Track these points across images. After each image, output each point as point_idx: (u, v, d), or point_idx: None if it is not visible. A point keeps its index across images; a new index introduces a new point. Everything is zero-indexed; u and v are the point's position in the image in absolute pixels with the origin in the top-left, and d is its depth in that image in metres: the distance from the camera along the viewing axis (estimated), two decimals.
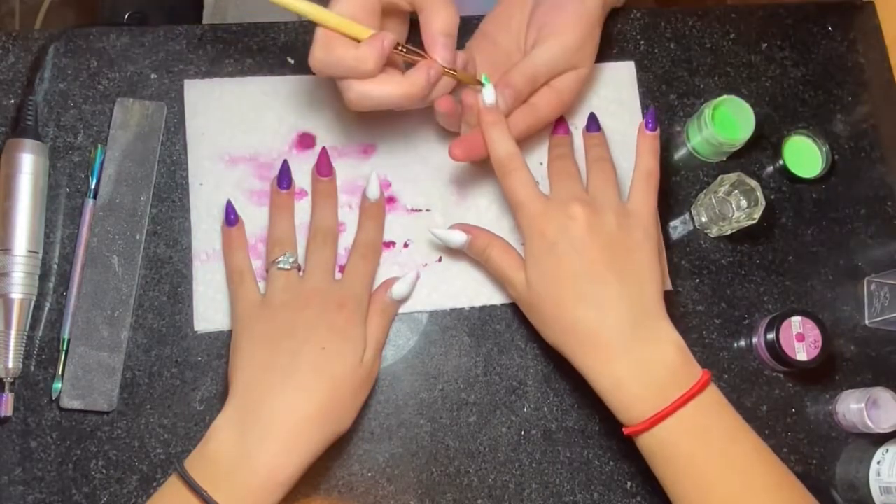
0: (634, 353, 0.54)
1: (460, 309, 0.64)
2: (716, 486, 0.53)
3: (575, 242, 0.56)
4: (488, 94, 0.58)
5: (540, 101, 0.62)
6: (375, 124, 0.66)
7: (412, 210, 0.65)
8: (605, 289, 0.55)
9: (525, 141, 0.62)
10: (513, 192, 0.58)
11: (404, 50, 0.56)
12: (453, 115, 0.61)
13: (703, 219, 0.67)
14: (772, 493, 0.53)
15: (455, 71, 0.58)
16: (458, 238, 0.61)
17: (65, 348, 0.59)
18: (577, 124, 0.67)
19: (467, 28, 0.68)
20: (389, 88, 0.55)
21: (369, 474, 0.61)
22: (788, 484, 0.54)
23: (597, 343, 0.55)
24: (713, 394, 0.55)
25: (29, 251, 0.59)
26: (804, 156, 0.71)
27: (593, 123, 0.64)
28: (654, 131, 0.61)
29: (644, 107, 0.69)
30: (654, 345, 0.55)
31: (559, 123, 0.65)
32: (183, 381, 0.60)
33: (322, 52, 0.54)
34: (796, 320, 0.64)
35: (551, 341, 0.58)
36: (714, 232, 0.68)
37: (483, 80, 0.59)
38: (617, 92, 0.69)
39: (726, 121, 0.67)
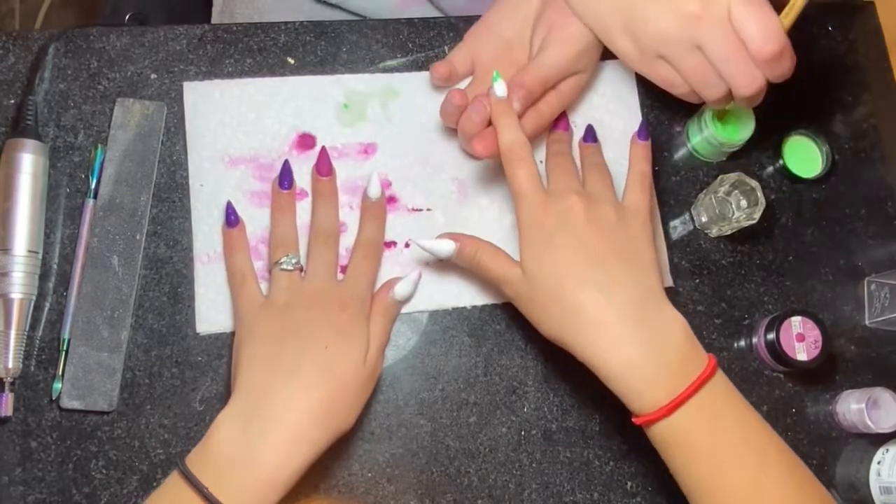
0: (643, 335, 0.53)
1: (461, 308, 0.64)
2: (731, 471, 0.52)
3: (574, 231, 0.56)
4: (499, 88, 0.59)
5: (542, 104, 0.62)
6: (375, 123, 0.66)
7: (413, 210, 0.65)
8: (608, 271, 0.55)
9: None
10: (517, 182, 0.57)
11: None
12: (461, 110, 0.62)
13: (704, 219, 0.67)
14: (785, 476, 0.53)
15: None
16: (447, 247, 0.59)
17: (65, 348, 0.59)
18: (577, 122, 0.67)
19: (455, 29, 0.68)
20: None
21: (369, 474, 0.61)
22: (799, 466, 0.54)
23: (604, 325, 0.54)
24: (722, 378, 0.55)
25: (29, 251, 0.59)
26: (804, 156, 0.71)
27: (590, 135, 0.65)
28: (646, 141, 0.62)
29: (644, 106, 0.70)
30: (662, 326, 0.54)
31: (560, 118, 0.65)
32: (183, 381, 0.60)
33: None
34: (796, 320, 0.64)
35: (552, 334, 0.56)
36: (714, 232, 0.68)
37: (493, 76, 0.60)
38: (616, 90, 0.69)
39: (726, 121, 0.67)
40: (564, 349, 0.56)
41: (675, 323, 0.55)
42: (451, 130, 0.65)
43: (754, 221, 0.64)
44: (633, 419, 0.54)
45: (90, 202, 0.62)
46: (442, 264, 0.64)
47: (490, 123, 0.61)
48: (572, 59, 0.62)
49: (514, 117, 0.59)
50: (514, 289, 0.58)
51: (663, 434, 0.54)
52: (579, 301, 0.54)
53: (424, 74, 0.67)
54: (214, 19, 0.83)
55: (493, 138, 0.59)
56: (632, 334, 0.53)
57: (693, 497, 0.54)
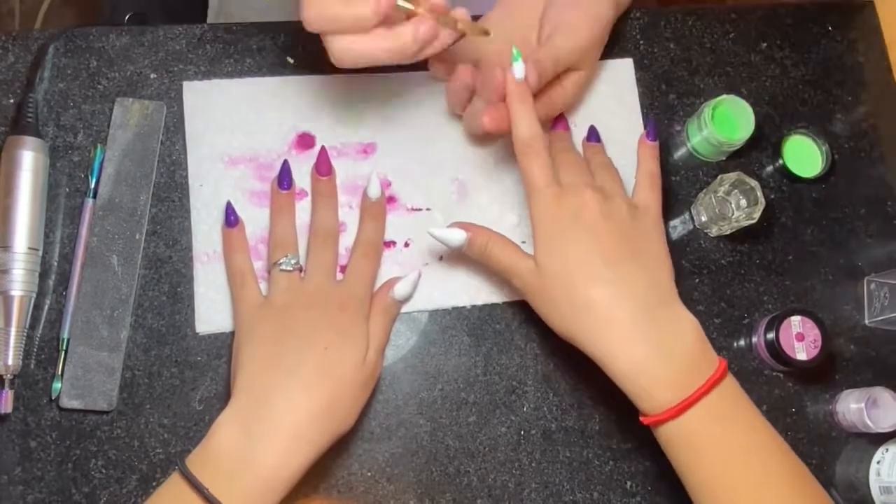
0: (654, 334, 0.53)
1: (460, 308, 0.64)
2: (737, 475, 0.52)
3: (588, 226, 0.55)
4: (518, 69, 0.57)
5: (553, 92, 0.62)
6: (375, 123, 0.66)
7: (412, 209, 0.65)
8: (621, 269, 0.54)
9: None
10: (531, 175, 0.57)
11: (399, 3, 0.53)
12: (469, 89, 0.61)
13: (703, 218, 0.67)
14: (789, 481, 0.53)
15: (447, 15, 0.54)
16: (459, 236, 0.59)
17: (64, 348, 0.59)
18: (577, 122, 0.67)
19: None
20: (375, 44, 0.53)
21: (369, 474, 0.61)
22: (802, 472, 0.54)
23: (615, 322, 0.53)
24: (732, 381, 0.55)
25: (29, 248, 0.59)
26: (804, 155, 0.71)
27: (593, 134, 0.65)
28: (655, 142, 0.62)
29: (643, 105, 0.70)
30: (673, 326, 0.54)
31: (558, 119, 0.65)
32: (182, 380, 0.60)
33: (315, 10, 0.51)
34: (796, 320, 0.64)
35: (561, 329, 0.56)
36: (714, 232, 0.68)
37: (514, 54, 0.57)
38: (616, 89, 0.69)
39: (726, 120, 0.67)
40: (571, 344, 0.56)
41: (686, 323, 0.55)
42: (451, 130, 0.65)
43: (754, 221, 0.64)
44: (640, 419, 0.54)
45: (90, 202, 0.62)
46: (442, 263, 0.64)
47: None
48: (578, 47, 0.61)
49: (531, 104, 0.57)
50: (524, 281, 0.58)
51: (671, 434, 0.53)
52: (591, 297, 0.54)
53: (424, 74, 0.67)
54: (210, 20, 0.83)
55: (503, 113, 0.58)
56: (643, 333, 0.53)
57: (696, 497, 0.54)
